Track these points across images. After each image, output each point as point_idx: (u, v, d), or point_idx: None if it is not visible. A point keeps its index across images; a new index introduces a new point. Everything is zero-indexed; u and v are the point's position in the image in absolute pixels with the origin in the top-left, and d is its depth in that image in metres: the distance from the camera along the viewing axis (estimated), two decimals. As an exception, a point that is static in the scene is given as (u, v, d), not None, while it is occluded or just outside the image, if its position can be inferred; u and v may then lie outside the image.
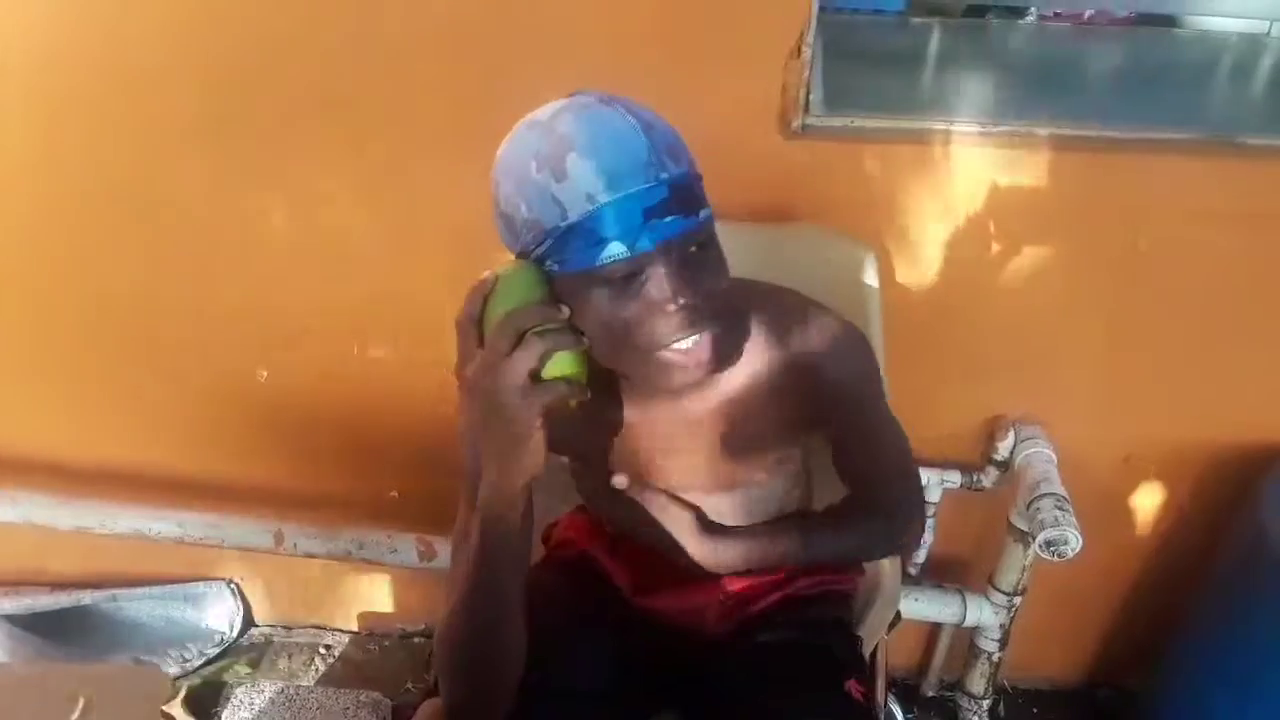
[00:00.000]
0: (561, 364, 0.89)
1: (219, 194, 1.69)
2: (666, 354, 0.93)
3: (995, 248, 1.60)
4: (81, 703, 1.33)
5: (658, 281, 0.89)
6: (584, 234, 0.87)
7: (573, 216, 0.86)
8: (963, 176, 1.54)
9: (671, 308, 0.89)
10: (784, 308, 1.08)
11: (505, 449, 0.90)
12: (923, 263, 1.62)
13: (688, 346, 0.93)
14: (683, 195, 0.89)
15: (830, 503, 1.24)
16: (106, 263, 1.78)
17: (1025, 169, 1.53)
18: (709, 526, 1.16)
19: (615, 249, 0.86)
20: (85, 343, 1.88)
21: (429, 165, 1.61)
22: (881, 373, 1.15)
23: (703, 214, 0.92)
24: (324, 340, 1.82)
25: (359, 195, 1.67)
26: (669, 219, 0.88)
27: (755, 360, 1.05)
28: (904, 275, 1.63)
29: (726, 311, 0.96)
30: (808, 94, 1.48)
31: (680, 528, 1.14)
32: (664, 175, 0.87)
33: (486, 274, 0.92)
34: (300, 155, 1.64)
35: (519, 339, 0.87)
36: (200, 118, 1.61)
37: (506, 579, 0.99)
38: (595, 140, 0.86)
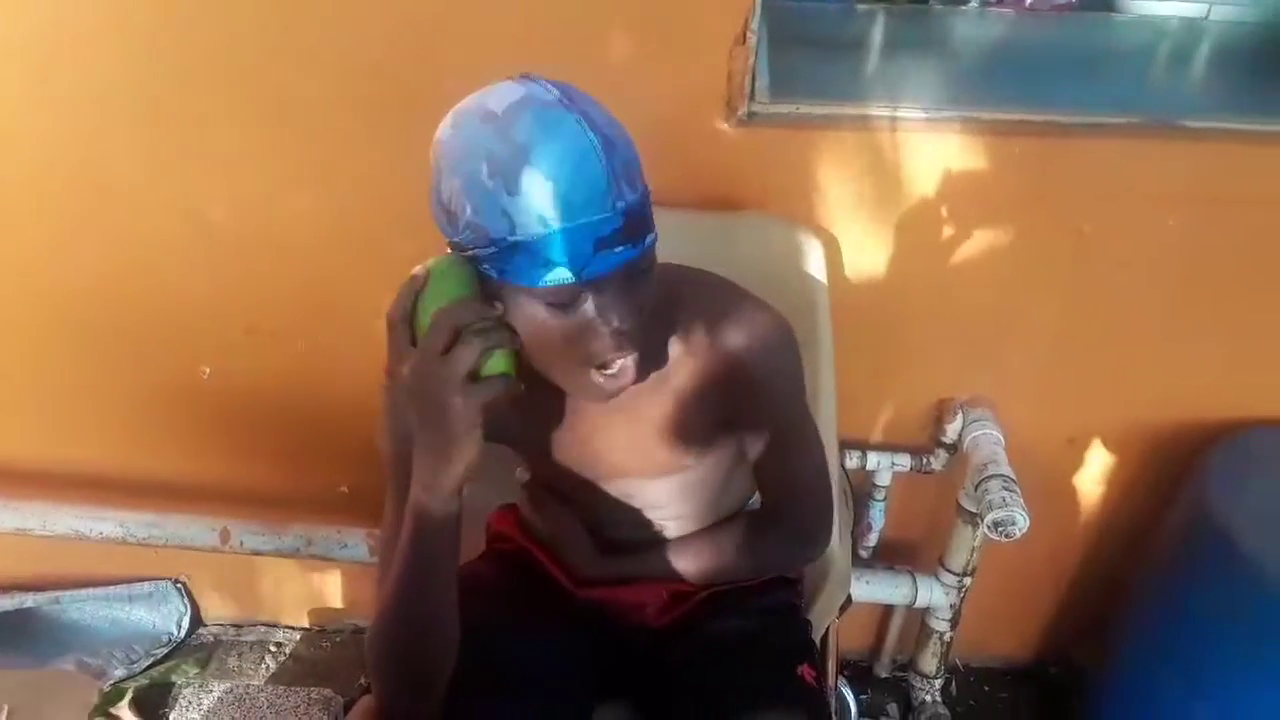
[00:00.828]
0: (498, 361, 0.89)
1: (158, 188, 1.65)
2: (595, 372, 0.94)
3: (942, 233, 1.60)
4: (5, 710, 1.30)
5: (596, 306, 0.88)
6: (530, 254, 0.84)
7: (521, 235, 0.83)
8: (909, 162, 1.54)
9: (605, 330, 0.89)
10: (716, 300, 1.06)
11: (443, 447, 0.89)
12: (870, 249, 1.62)
13: (613, 371, 0.93)
14: (634, 223, 0.87)
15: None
16: (43, 258, 1.74)
17: (970, 155, 1.53)
18: (603, 547, 1.22)
19: (561, 274, 0.84)
20: (22, 340, 1.84)
21: (375, 156, 1.58)
22: (825, 370, 1.15)
23: (649, 239, 0.90)
24: (268, 336, 1.79)
25: (302, 188, 1.64)
26: (619, 249, 0.86)
27: (685, 352, 1.05)
28: (852, 261, 1.63)
29: (652, 323, 0.96)
30: (753, 81, 1.48)
31: (573, 543, 1.20)
32: (620, 204, 0.85)
33: (417, 269, 0.91)
34: (242, 148, 1.61)
35: (455, 337, 0.86)
36: (140, 110, 1.58)
37: (438, 575, 0.98)
38: (555, 161, 0.82)
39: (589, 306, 0.88)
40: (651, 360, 1.00)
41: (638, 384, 0.97)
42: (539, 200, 0.82)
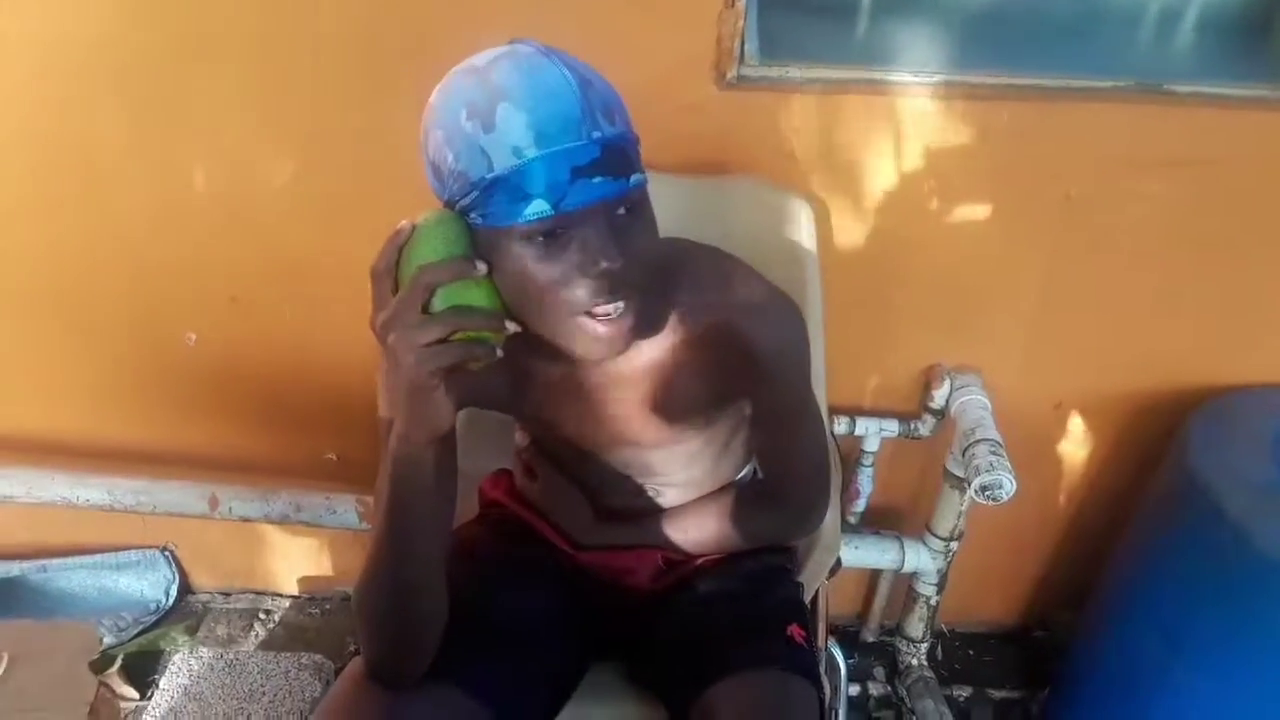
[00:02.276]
0: (469, 293, 0.88)
1: (142, 152, 1.63)
2: (585, 320, 0.91)
3: (930, 197, 1.61)
4: (5, 659, 1.30)
5: (581, 243, 0.87)
6: (508, 188, 0.84)
7: (498, 169, 0.84)
8: (898, 127, 1.54)
9: (593, 270, 0.87)
10: (713, 273, 1.05)
11: (406, 402, 0.88)
12: (859, 214, 1.63)
13: (608, 312, 0.91)
14: (614, 157, 0.86)
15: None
16: (28, 224, 1.72)
17: (959, 119, 1.53)
18: (599, 513, 1.23)
19: (539, 206, 0.84)
20: (8, 308, 1.82)
21: (360, 119, 1.57)
22: (815, 336, 1.13)
23: (634, 178, 0.89)
24: (253, 304, 1.78)
25: (285, 156, 1.63)
26: (597, 179, 0.85)
27: (678, 325, 1.03)
28: (840, 227, 1.63)
29: (651, 280, 0.94)
30: (742, 44, 1.47)
31: (570, 510, 1.22)
32: (596, 134, 0.85)
33: (404, 223, 0.90)
34: (227, 112, 1.59)
35: (430, 294, 0.86)
36: (122, 79, 1.56)
37: (419, 530, 0.98)
38: (528, 93, 0.84)
39: (574, 248, 0.87)
40: (648, 321, 0.98)
41: (635, 339, 0.95)
42: (512, 131, 0.83)
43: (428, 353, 0.85)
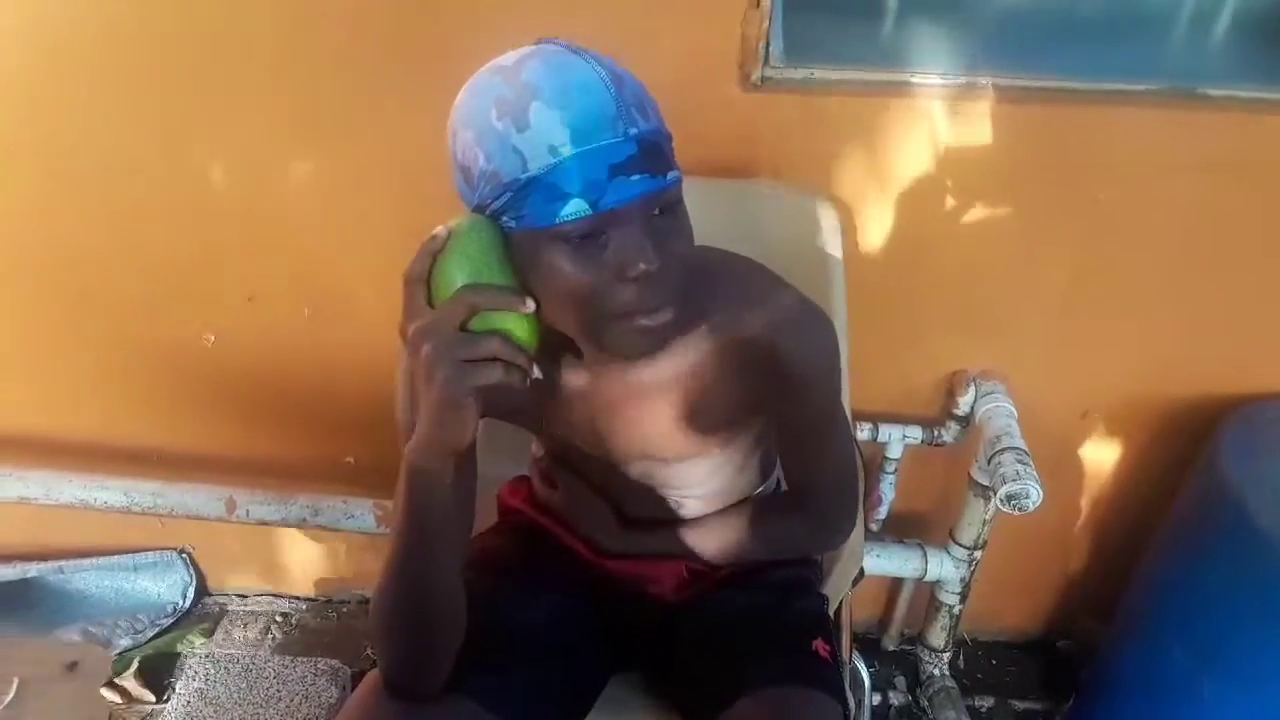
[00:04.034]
0: (508, 321, 0.87)
1: (162, 154, 1.63)
2: (622, 322, 0.89)
3: (956, 201, 1.58)
4: (15, 683, 1.29)
5: (619, 244, 0.85)
6: (544, 188, 0.82)
7: (533, 169, 0.82)
8: (924, 129, 1.52)
9: (632, 273, 0.85)
10: (747, 282, 1.03)
11: (433, 413, 0.86)
12: (883, 217, 1.60)
13: (646, 322, 0.89)
14: (651, 153, 0.85)
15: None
16: (48, 226, 1.72)
17: (986, 121, 1.51)
18: (620, 523, 1.20)
19: (577, 206, 0.82)
20: (26, 308, 1.82)
21: (379, 121, 1.56)
22: (841, 341, 1.11)
23: (671, 175, 0.88)
24: (273, 303, 1.77)
25: (304, 156, 1.62)
26: (636, 177, 0.83)
27: (711, 334, 1.01)
28: (865, 230, 1.61)
29: (687, 280, 0.92)
30: (767, 45, 1.45)
31: (595, 518, 1.18)
32: (633, 131, 0.83)
33: (439, 229, 0.88)
34: (245, 114, 1.58)
35: (472, 313, 0.84)
36: (139, 76, 1.55)
37: (437, 540, 0.96)
38: (562, 90, 0.82)
39: (612, 249, 0.85)
40: (687, 315, 0.95)
41: (671, 340, 0.94)
42: (547, 129, 0.81)
43: (468, 369, 0.84)
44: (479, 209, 0.89)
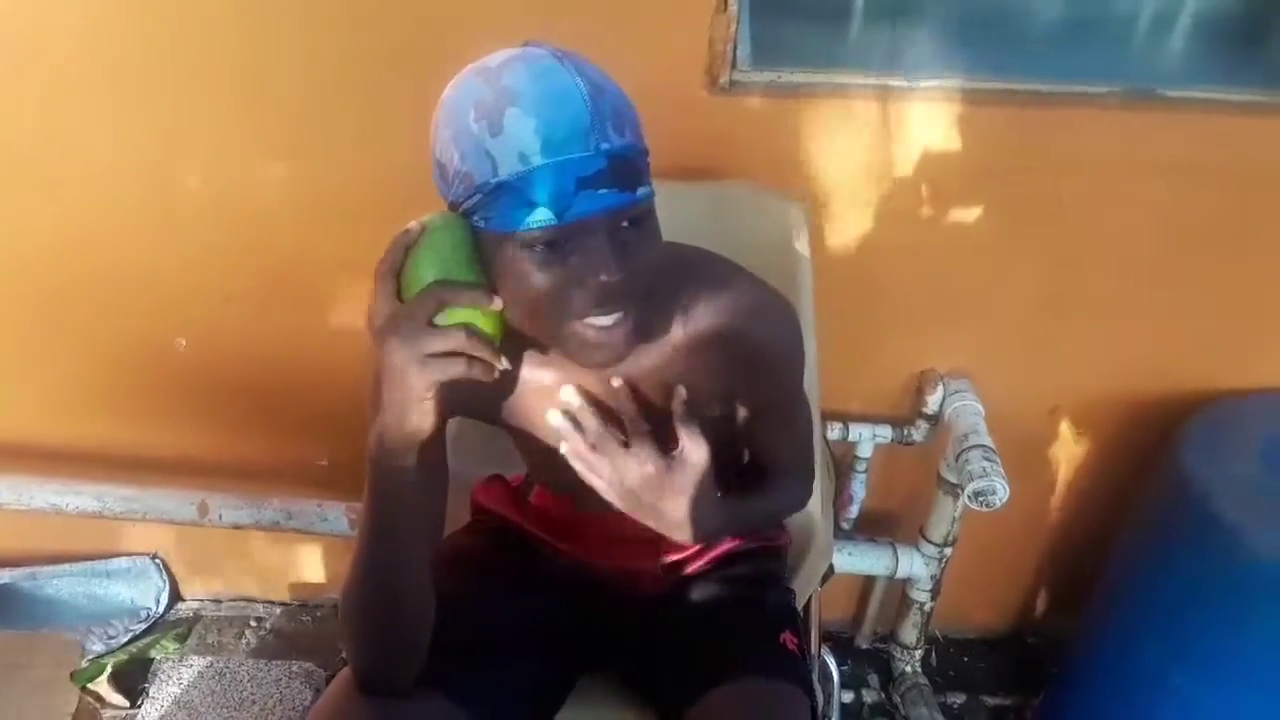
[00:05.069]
0: (472, 316, 0.88)
1: (130, 157, 1.63)
2: (581, 328, 0.90)
3: (922, 202, 1.60)
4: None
5: (583, 255, 0.85)
6: (513, 194, 0.83)
7: (503, 174, 0.83)
8: (890, 132, 1.54)
9: (593, 282, 0.86)
10: (712, 277, 1.05)
11: (395, 405, 0.87)
12: (852, 218, 1.62)
13: (606, 324, 0.90)
14: (621, 169, 0.85)
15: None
16: (16, 231, 1.71)
17: (952, 123, 1.53)
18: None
19: (543, 215, 0.83)
20: (-3, 312, 1.81)
21: (352, 119, 1.57)
22: (808, 340, 1.14)
23: (641, 191, 0.88)
24: (243, 307, 1.77)
25: (277, 157, 1.62)
26: (603, 191, 0.84)
27: (679, 330, 1.02)
28: (833, 231, 1.63)
29: (650, 288, 0.93)
30: (735, 48, 1.47)
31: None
32: (604, 145, 0.83)
33: (412, 224, 0.89)
34: (216, 116, 1.59)
35: (440, 308, 0.85)
36: (112, 71, 1.55)
37: (401, 533, 0.97)
38: (538, 99, 0.82)
39: (575, 258, 0.86)
40: (647, 329, 0.96)
41: (632, 348, 0.94)
42: (519, 137, 0.82)
43: (433, 362, 0.85)
44: (453, 206, 0.90)
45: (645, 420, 1.06)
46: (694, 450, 1.04)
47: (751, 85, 1.49)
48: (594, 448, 1.04)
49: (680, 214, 1.14)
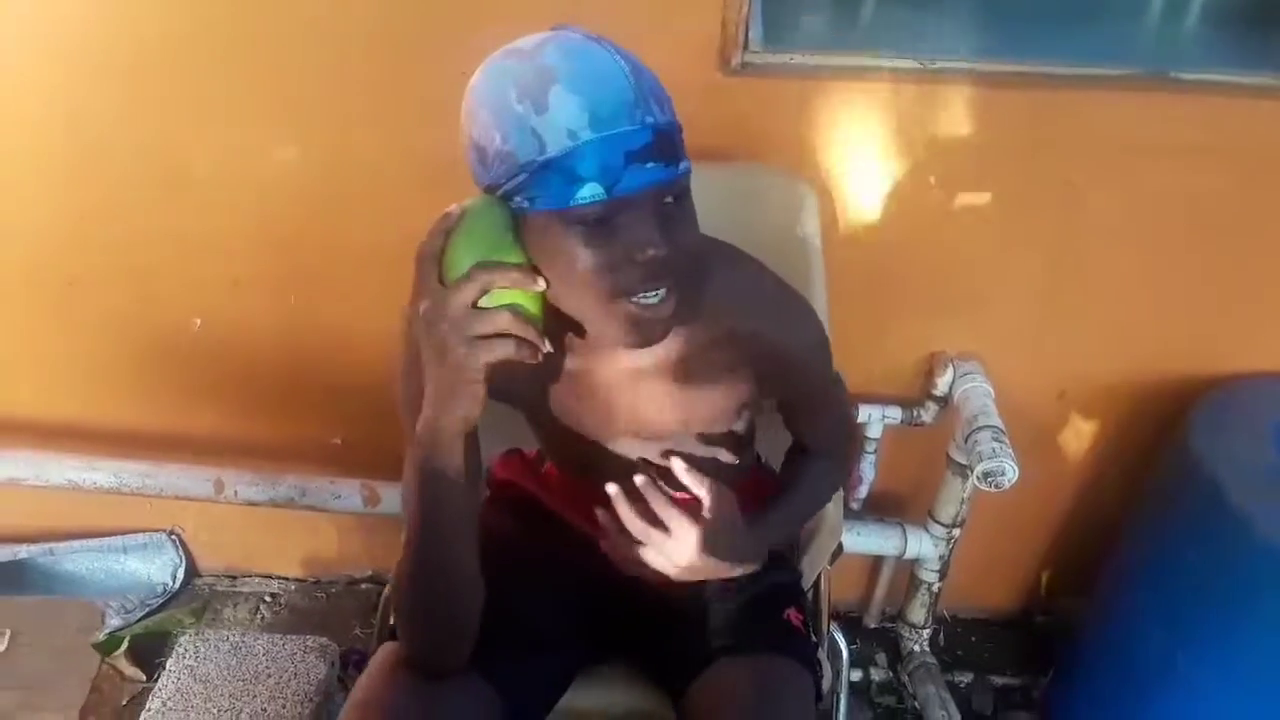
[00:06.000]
0: (518, 297, 0.89)
1: (146, 137, 1.64)
2: (628, 305, 0.90)
3: (934, 184, 1.61)
4: (7, 635, 1.30)
5: (630, 229, 0.86)
6: (561, 171, 0.83)
7: (551, 151, 0.83)
8: (903, 114, 1.54)
9: (641, 258, 0.86)
10: (741, 273, 1.06)
11: (444, 390, 0.89)
12: (863, 200, 1.63)
13: (652, 301, 0.90)
14: (665, 143, 0.86)
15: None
16: (34, 210, 1.73)
17: (964, 105, 1.53)
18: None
19: (592, 189, 0.83)
20: (14, 291, 1.83)
21: (364, 102, 1.57)
22: (820, 315, 1.16)
23: (683, 165, 0.89)
24: (259, 286, 1.78)
25: (288, 140, 1.63)
26: (650, 165, 0.85)
27: (707, 321, 1.03)
28: (845, 213, 1.64)
29: (692, 268, 0.94)
30: (747, 30, 1.47)
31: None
32: (649, 119, 0.85)
33: (452, 208, 0.90)
34: (226, 98, 1.59)
35: (484, 291, 0.86)
36: (123, 53, 1.56)
37: (450, 516, 0.98)
38: (582, 75, 0.83)
39: (622, 233, 0.86)
40: (691, 302, 0.97)
41: (669, 329, 0.95)
42: (567, 114, 0.82)
43: (481, 344, 0.86)
44: (490, 189, 0.90)
45: (667, 404, 1.08)
46: (719, 504, 1.05)
47: (764, 67, 1.49)
48: (640, 543, 1.06)
49: (694, 196, 1.15)
